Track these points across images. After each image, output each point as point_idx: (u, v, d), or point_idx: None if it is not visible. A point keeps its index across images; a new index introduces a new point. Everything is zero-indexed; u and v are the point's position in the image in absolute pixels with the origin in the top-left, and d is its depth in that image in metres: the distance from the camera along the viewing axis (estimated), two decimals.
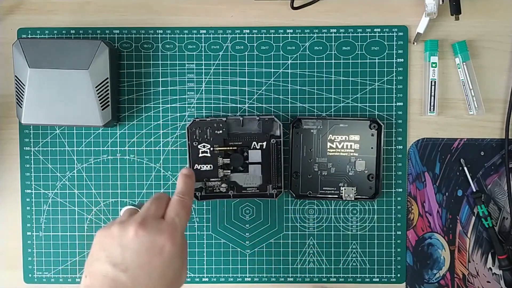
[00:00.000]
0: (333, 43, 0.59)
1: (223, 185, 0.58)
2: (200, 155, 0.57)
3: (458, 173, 0.59)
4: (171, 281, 0.44)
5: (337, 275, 0.60)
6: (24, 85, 0.55)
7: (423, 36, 0.58)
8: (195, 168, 0.57)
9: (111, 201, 0.60)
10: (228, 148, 0.57)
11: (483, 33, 0.59)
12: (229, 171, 0.57)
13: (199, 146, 0.57)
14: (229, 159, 0.57)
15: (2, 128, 0.60)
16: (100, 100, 0.55)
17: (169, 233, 0.44)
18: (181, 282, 0.45)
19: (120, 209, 0.60)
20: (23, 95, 0.55)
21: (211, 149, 0.57)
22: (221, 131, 0.57)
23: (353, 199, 0.58)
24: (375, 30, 0.59)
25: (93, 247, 0.45)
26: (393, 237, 0.60)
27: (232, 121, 0.57)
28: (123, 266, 0.42)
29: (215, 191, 0.58)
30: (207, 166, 0.57)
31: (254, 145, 0.57)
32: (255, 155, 0.57)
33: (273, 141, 0.57)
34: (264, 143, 0.57)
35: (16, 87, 0.56)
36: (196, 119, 0.57)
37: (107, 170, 0.60)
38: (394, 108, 0.59)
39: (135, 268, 0.42)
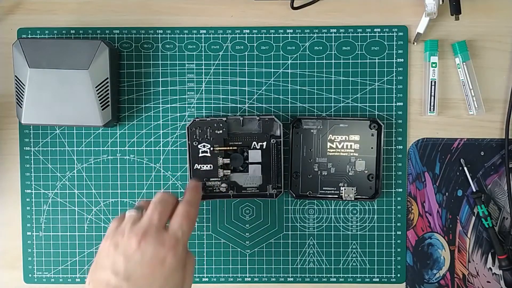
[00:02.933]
0: (333, 43, 0.59)
1: (223, 185, 0.58)
2: (200, 154, 0.57)
3: (458, 173, 0.59)
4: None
5: (337, 275, 0.60)
6: (24, 85, 0.55)
7: (423, 36, 0.58)
8: (195, 167, 0.57)
9: (111, 201, 0.60)
10: (228, 148, 0.57)
11: (483, 33, 0.59)
12: (229, 171, 0.57)
13: (199, 146, 0.57)
14: (229, 159, 0.57)
15: (2, 128, 0.60)
16: (100, 100, 0.55)
17: (170, 246, 0.45)
18: None
19: (120, 209, 0.60)
20: (23, 95, 0.55)
21: (211, 149, 0.57)
22: (221, 131, 0.57)
23: (353, 199, 0.58)
24: (375, 30, 0.59)
25: (98, 255, 0.46)
26: (393, 237, 0.60)
27: (232, 121, 0.57)
28: (125, 276, 0.43)
29: (215, 191, 0.58)
30: (207, 166, 0.57)
31: (254, 145, 0.57)
32: (255, 155, 0.57)
33: (273, 141, 0.57)
34: (264, 143, 0.57)
35: (16, 87, 0.56)
36: (196, 119, 0.57)
37: (107, 170, 0.60)
38: (394, 108, 0.59)
39: (137, 278, 0.43)
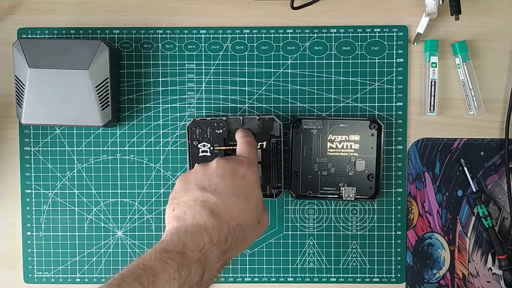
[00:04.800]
0: (333, 43, 0.59)
1: None
2: (200, 154, 0.57)
3: (458, 173, 0.59)
4: (255, 207, 0.47)
5: (337, 275, 0.60)
6: (24, 85, 0.55)
7: (423, 36, 0.58)
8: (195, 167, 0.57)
9: (111, 201, 0.60)
10: (228, 147, 0.57)
11: (483, 33, 0.59)
12: None
13: (199, 146, 0.57)
14: None
15: (2, 128, 0.60)
16: (100, 100, 0.55)
17: (247, 164, 0.48)
18: (264, 222, 0.49)
19: (120, 209, 0.60)
20: (23, 95, 0.55)
21: (211, 148, 0.57)
22: (221, 131, 0.57)
23: (353, 199, 0.58)
24: (375, 30, 0.59)
25: (176, 187, 0.47)
26: (393, 237, 0.60)
27: (233, 120, 0.57)
28: (211, 188, 0.45)
29: None
30: None
31: None
32: None
33: (273, 140, 0.57)
34: (264, 143, 0.57)
35: (16, 87, 0.56)
36: (197, 118, 0.57)
37: (107, 170, 0.60)
38: (394, 108, 0.59)
39: (223, 188, 0.45)
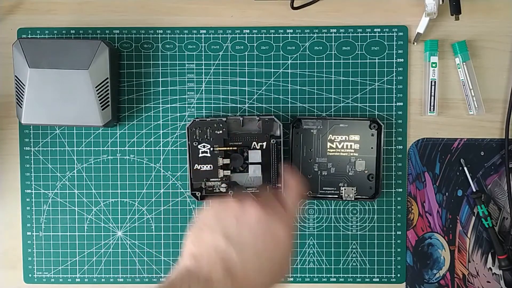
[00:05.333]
0: (333, 43, 0.59)
1: (223, 185, 0.58)
2: (200, 155, 0.57)
3: (458, 173, 0.59)
4: (279, 266, 0.42)
5: (337, 275, 0.60)
6: (24, 85, 0.55)
7: (423, 36, 0.58)
8: (195, 168, 0.57)
9: (111, 201, 0.60)
10: (228, 148, 0.57)
11: (483, 33, 0.59)
12: (229, 171, 0.57)
13: (199, 146, 0.57)
14: (229, 159, 0.57)
15: (2, 128, 0.60)
16: (100, 100, 0.55)
17: (287, 221, 0.43)
18: (286, 270, 0.44)
19: (120, 209, 0.60)
20: (23, 95, 0.55)
21: (211, 149, 0.57)
22: (221, 131, 0.57)
23: (353, 199, 0.58)
24: (375, 30, 0.59)
25: (206, 215, 0.43)
26: (393, 237, 0.60)
27: (232, 121, 0.57)
28: (236, 241, 0.40)
29: (215, 191, 0.58)
30: (207, 166, 0.57)
31: (254, 145, 0.57)
32: (255, 155, 0.57)
33: (273, 141, 0.57)
34: (264, 143, 0.57)
35: (16, 87, 0.56)
36: (196, 119, 0.57)
37: (107, 170, 0.60)
38: (394, 108, 0.59)
39: (248, 245, 0.41)
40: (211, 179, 0.58)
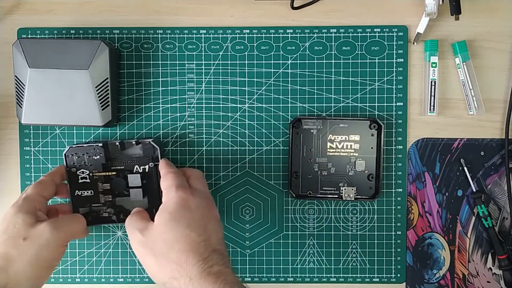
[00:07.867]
0: (333, 43, 0.59)
1: (108, 209, 0.56)
2: (80, 181, 0.56)
3: (458, 173, 0.59)
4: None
5: (337, 275, 0.60)
6: (24, 85, 0.55)
7: (423, 36, 0.58)
8: (76, 194, 0.56)
9: None
10: (107, 173, 0.56)
11: (483, 33, 0.59)
12: (111, 196, 0.56)
13: (78, 172, 0.56)
14: (109, 184, 0.56)
15: (2, 128, 0.60)
16: (100, 100, 0.55)
17: (190, 193, 0.50)
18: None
19: None
20: (23, 95, 0.55)
21: (90, 174, 0.56)
22: (98, 157, 0.55)
23: (353, 199, 0.58)
24: (375, 30, 0.59)
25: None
26: (393, 237, 0.60)
27: (111, 146, 0.56)
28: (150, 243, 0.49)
29: (100, 216, 0.57)
30: (87, 192, 0.56)
31: (137, 168, 0.56)
32: (134, 179, 0.56)
33: (151, 165, 0.56)
34: (147, 167, 0.56)
35: (16, 87, 0.56)
36: (73, 146, 0.56)
37: None
38: (394, 108, 0.59)
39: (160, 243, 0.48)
40: (93, 205, 0.56)
